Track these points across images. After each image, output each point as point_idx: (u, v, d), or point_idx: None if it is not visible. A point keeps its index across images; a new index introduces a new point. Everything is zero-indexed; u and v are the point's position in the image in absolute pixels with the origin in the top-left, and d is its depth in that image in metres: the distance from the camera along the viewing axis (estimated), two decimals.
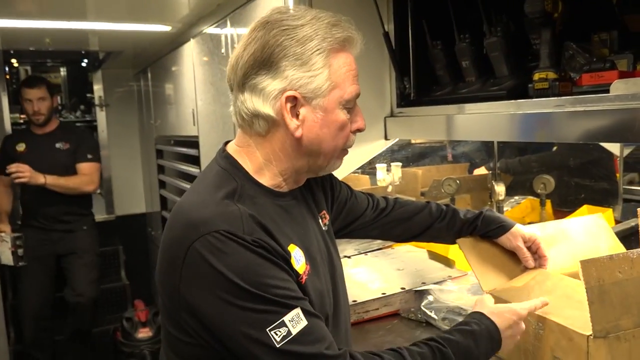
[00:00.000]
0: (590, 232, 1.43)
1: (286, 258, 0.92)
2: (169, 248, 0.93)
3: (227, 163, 0.99)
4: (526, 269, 1.25)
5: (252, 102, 0.95)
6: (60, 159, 3.11)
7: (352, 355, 0.90)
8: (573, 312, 1.05)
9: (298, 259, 0.95)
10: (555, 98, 1.27)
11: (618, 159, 2.48)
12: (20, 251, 2.95)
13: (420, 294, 1.46)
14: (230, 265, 0.85)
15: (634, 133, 1.06)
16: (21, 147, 3.11)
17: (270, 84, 0.93)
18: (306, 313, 0.87)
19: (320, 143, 0.97)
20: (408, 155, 2.85)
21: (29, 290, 3.14)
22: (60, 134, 3.17)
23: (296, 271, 0.93)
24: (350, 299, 1.43)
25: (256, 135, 0.98)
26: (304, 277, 0.95)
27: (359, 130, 1.02)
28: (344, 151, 1.03)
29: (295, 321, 0.85)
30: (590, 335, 0.96)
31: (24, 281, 3.13)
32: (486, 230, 1.27)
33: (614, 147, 2.65)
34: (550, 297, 1.12)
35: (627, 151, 2.81)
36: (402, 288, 1.45)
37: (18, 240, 2.95)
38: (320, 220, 1.11)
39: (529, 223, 2.06)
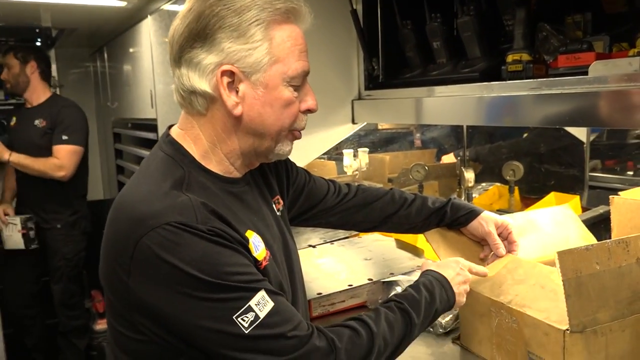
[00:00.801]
0: (559, 222, 1.39)
1: (244, 244, 0.86)
2: (113, 245, 0.85)
3: (172, 149, 0.91)
4: (494, 257, 1.20)
5: (189, 77, 0.87)
6: (34, 138, 2.75)
7: (321, 331, 0.87)
8: (547, 303, 1.00)
9: (257, 245, 0.90)
10: (531, 80, 1.21)
11: (585, 145, 2.48)
12: (32, 233, 2.73)
13: (388, 285, 1.40)
14: (186, 257, 0.78)
15: (613, 116, 1.01)
16: (13, 121, 2.90)
17: (206, 57, 0.86)
18: (270, 293, 0.83)
19: (263, 122, 0.90)
20: (375, 140, 2.78)
21: (10, 278, 2.91)
22: (43, 110, 2.81)
23: (255, 257, 0.88)
24: (316, 291, 1.36)
25: (198, 116, 0.91)
26: (264, 263, 0.90)
27: (310, 110, 0.95)
28: (293, 133, 0.95)
29: (261, 304, 0.81)
30: (567, 329, 0.91)
31: (6, 268, 2.89)
32: (456, 217, 1.22)
33: (580, 133, 2.65)
34: (523, 287, 1.07)
35: (591, 137, 2.81)
36: (369, 279, 1.39)
37: (29, 222, 2.73)
38: (273, 206, 1.05)
39: (497, 210, 2.03)
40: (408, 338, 0.94)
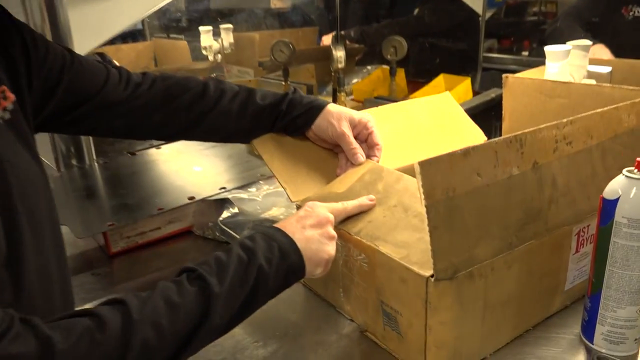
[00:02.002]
0: (437, 114, 1.08)
1: None
2: None
3: None
4: (351, 166, 0.87)
5: None
6: None
7: (30, 326, 0.49)
8: (409, 235, 0.69)
9: None
10: None
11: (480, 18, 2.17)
12: None
13: (220, 204, 1.04)
14: None
15: None
16: None
17: None
18: None
19: None
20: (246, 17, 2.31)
21: None
22: None
23: None
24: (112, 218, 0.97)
25: None
26: None
27: None
28: None
29: None
30: (431, 276, 0.61)
31: None
32: (294, 116, 0.85)
33: (478, 7, 2.34)
34: (379, 210, 0.75)
35: (488, 14, 2.51)
36: (191, 198, 1.02)
37: None
38: None
39: (376, 98, 1.70)
40: (209, 326, 0.57)
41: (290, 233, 0.67)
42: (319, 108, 0.85)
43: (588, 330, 0.70)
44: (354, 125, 0.86)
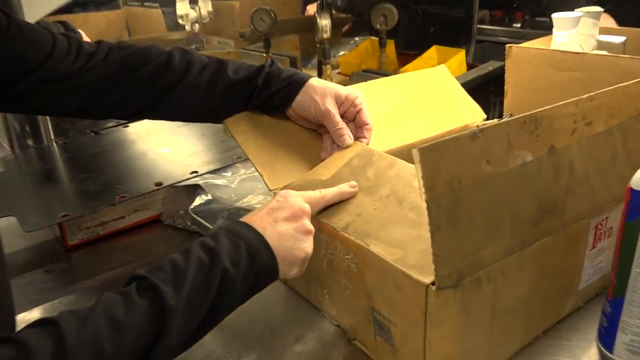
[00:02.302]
0: (432, 89, 0.97)
1: None
2: None
3: None
4: (338, 149, 0.76)
5: None
6: None
7: None
8: (405, 232, 0.59)
9: None
10: None
11: None
12: None
13: (191, 191, 0.94)
14: None
15: None
16: None
17: None
18: None
19: None
20: None
21: None
22: None
23: None
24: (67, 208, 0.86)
25: None
26: None
27: None
28: None
29: None
30: (432, 284, 0.51)
31: None
32: (272, 92, 0.74)
33: None
34: (370, 202, 0.65)
35: None
36: (158, 184, 0.91)
37: None
38: None
39: (364, 71, 1.58)
40: (164, 346, 0.47)
41: (260, 228, 0.57)
42: (300, 83, 0.74)
43: (607, 338, 0.61)
44: (340, 102, 0.75)
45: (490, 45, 2.04)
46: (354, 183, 0.67)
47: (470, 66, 1.64)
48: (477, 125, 0.97)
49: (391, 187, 0.66)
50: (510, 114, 0.91)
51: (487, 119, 0.97)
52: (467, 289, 0.53)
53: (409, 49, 1.94)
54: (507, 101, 0.95)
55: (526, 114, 0.55)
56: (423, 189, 0.48)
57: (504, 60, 1.40)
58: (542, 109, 0.56)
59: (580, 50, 0.94)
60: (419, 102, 0.94)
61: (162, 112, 0.75)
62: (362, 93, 0.77)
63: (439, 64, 1.69)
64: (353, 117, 0.77)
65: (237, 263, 0.53)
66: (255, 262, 0.54)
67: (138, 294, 0.48)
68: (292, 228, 0.58)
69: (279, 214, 0.59)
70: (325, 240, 0.65)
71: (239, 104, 0.75)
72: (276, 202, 0.61)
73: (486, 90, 1.29)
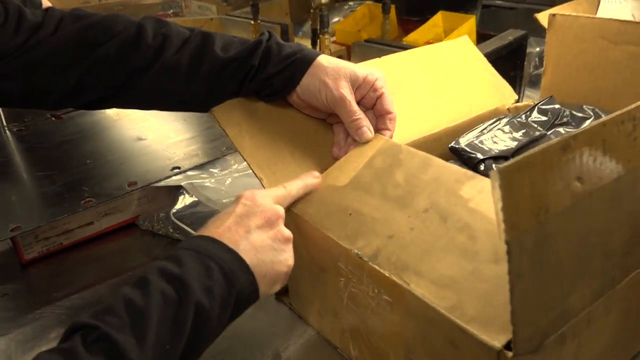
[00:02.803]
0: (457, 64, 0.82)
1: None
2: None
3: None
4: (354, 145, 0.61)
5: None
6: None
7: None
8: (458, 263, 0.45)
9: None
10: None
11: None
12: None
13: (174, 188, 0.79)
14: None
15: None
16: None
17: None
18: None
19: None
20: None
21: None
22: None
23: None
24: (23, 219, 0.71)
25: None
26: None
27: None
28: None
29: None
30: (506, 347, 0.38)
31: None
32: (271, 74, 0.58)
33: None
34: (402, 218, 0.51)
35: None
36: (132, 183, 0.75)
37: None
38: None
39: (367, 42, 1.42)
40: None
41: (231, 243, 0.46)
42: (307, 61, 0.59)
43: None
44: (357, 85, 0.60)
45: (499, 11, 1.88)
46: (317, 173, 0.57)
47: (479, 35, 1.48)
48: (507, 109, 0.83)
49: (429, 198, 0.51)
50: (551, 96, 0.77)
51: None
52: (550, 351, 0.39)
53: (409, 14, 1.77)
54: (546, 80, 0.81)
55: (623, 111, 0.41)
56: (503, 226, 0.34)
57: (515, 27, 1.26)
58: (639, 103, 0.42)
59: (633, 19, 0.80)
60: (443, 81, 0.79)
61: (132, 100, 0.60)
62: (382, 74, 0.62)
63: (445, 32, 1.54)
64: (372, 104, 0.62)
65: (210, 291, 0.42)
66: (232, 287, 0.43)
67: (86, 349, 0.35)
68: (269, 237, 0.48)
69: (250, 221, 0.47)
70: (345, 269, 0.51)
71: (230, 89, 0.60)
72: (243, 207, 0.48)
73: (505, 65, 1.14)
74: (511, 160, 0.33)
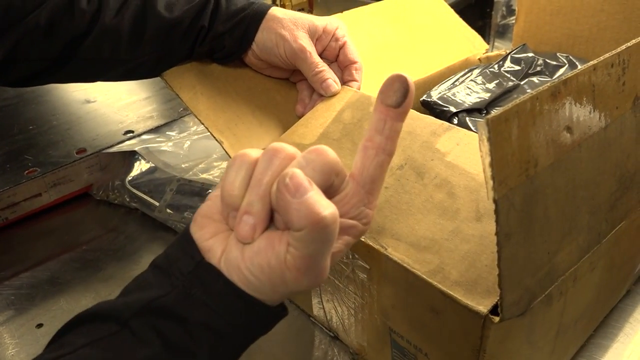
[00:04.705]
0: (423, 16, 0.78)
1: None
2: None
3: None
4: (320, 100, 0.57)
5: None
6: None
7: None
8: (437, 223, 0.42)
9: None
10: None
11: None
12: None
13: (128, 154, 0.73)
14: None
15: None
16: None
17: None
18: None
19: None
20: None
21: None
22: None
23: None
24: None
25: None
26: None
27: None
28: None
29: None
30: (492, 311, 0.35)
31: None
32: (220, 33, 0.53)
33: None
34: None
35: None
36: (81, 150, 0.69)
37: None
38: None
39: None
40: None
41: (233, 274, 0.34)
42: (258, 15, 0.53)
43: None
44: (316, 35, 0.55)
45: None
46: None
47: None
48: (479, 59, 0.80)
49: (403, 153, 0.48)
50: (524, 45, 0.73)
51: None
52: (536, 312, 0.37)
53: None
54: (519, 28, 0.77)
55: (612, 53, 0.37)
56: (491, 183, 0.30)
57: None
58: (629, 44, 0.39)
59: None
60: (410, 33, 0.75)
61: (70, 73, 0.53)
62: (343, 23, 0.58)
63: None
64: (335, 56, 0.58)
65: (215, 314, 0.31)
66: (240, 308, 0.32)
67: None
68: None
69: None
70: None
71: (180, 53, 0.54)
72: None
73: (471, 13, 1.10)
74: (500, 110, 0.30)
